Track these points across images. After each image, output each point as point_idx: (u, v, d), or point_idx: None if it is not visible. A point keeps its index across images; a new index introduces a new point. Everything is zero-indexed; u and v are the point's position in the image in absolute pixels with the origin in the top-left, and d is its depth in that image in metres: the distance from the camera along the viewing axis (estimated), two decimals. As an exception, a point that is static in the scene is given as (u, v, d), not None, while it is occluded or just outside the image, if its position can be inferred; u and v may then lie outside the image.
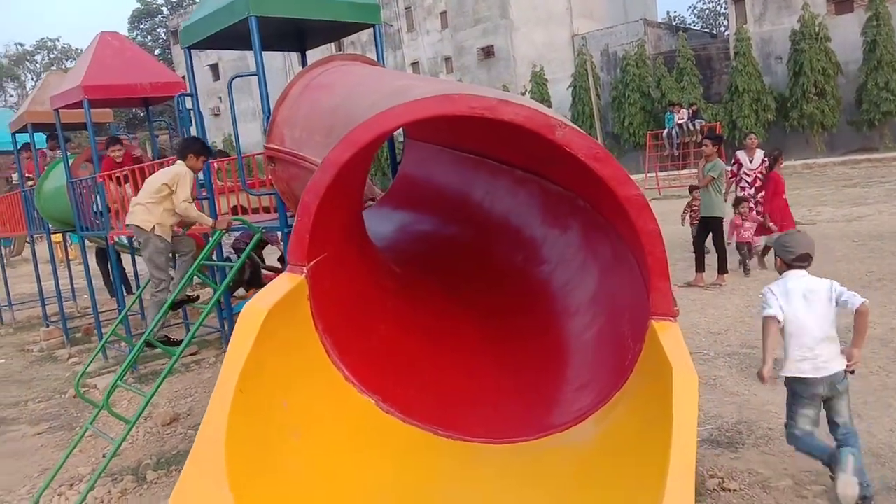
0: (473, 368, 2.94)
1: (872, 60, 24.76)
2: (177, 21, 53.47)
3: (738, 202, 9.27)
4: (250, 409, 2.07)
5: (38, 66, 56.28)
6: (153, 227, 5.61)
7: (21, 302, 13.40)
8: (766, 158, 9.92)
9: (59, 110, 7.96)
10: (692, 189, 9.82)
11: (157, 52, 55.13)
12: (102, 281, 11.85)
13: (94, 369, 8.47)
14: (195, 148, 5.56)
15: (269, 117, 4.67)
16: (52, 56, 56.18)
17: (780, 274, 3.92)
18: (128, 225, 5.84)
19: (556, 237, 3.54)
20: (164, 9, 60.36)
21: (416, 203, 5.18)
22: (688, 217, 9.96)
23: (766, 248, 9.05)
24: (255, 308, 2.18)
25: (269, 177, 4.84)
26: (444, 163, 4.98)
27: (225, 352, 8.28)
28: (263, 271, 9.08)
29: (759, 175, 9.82)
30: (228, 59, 46.94)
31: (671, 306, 2.16)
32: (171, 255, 6.19)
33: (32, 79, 55.87)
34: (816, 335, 3.60)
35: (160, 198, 5.53)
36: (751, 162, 9.91)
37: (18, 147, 10.64)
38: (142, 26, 60.14)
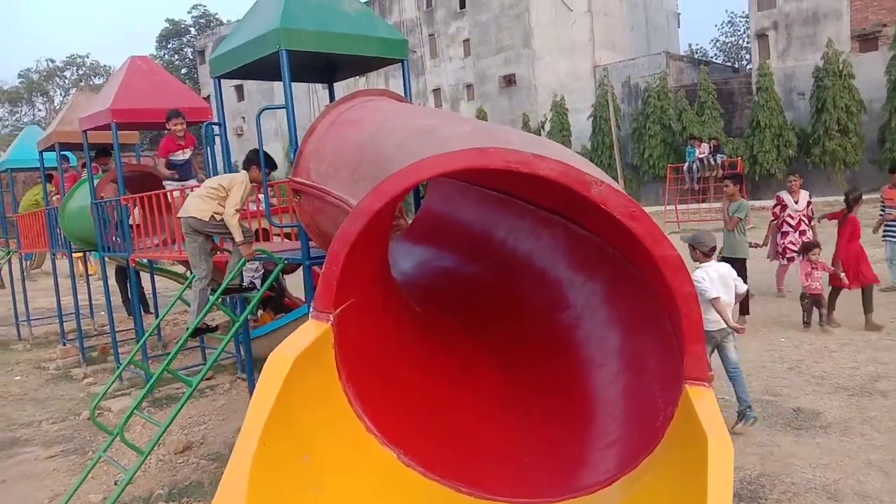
0: (496, 420, 2.87)
1: (896, 99, 24.65)
2: (203, 41, 54.41)
3: (806, 248, 8.42)
4: (273, 462, 2.02)
5: (66, 81, 57.31)
6: (211, 217, 5.44)
7: (39, 317, 13.48)
8: (811, 200, 9.83)
9: (87, 131, 8.05)
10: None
11: (183, 70, 56.01)
12: (121, 298, 11.90)
13: (109, 391, 8.47)
14: (258, 161, 5.48)
15: (296, 149, 4.68)
16: (80, 72, 57.17)
17: (699, 263, 5.47)
18: (180, 217, 5.65)
19: (581, 283, 3.49)
20: (192, 29, 61.40)
21: (438, 239, 5.15)
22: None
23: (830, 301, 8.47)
24: (282, 356, 2.15)
25: (294, 208, 4.83)
26: (469, 200, 4.95)
27: (239, 377, 8.30)
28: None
29: (804, 218, 9.57)
30: (253, 80, 47.54)
31: (706, 371, 2.10)
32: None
33: (61, 94, 56.87)
34: (727, 303, 5.32)
35: (214, 196, 5.42)
36: (796, 203, 9.60)
37: (51, 165, 10.74)
38: (169, 45, 61.16)
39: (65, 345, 11.00)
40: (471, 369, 3.16)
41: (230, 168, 5.63)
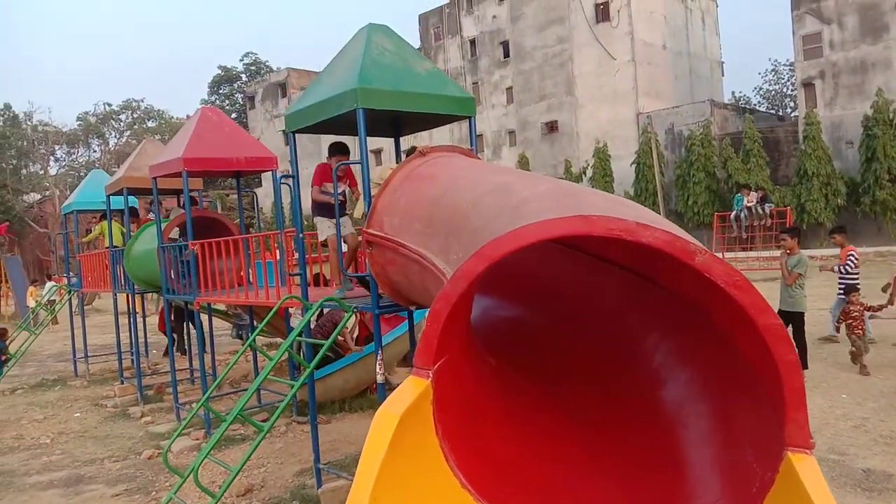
0: (580, 478, 2.91)
1: (950, 149, 24.25)
2: (254, 87, 56.16)
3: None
4: (382, 518, 2.10)
5: (121, 124, 59.47)
6: None
7: (95, 354, 13.83)
8: None
9: (157, 178, 8.39)
10: (848, 291, 9.01)
11: (233, 115, 57.70)
12: (175, 340, 12.18)
13: (166, 430, 8.66)
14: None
15: (369, 202, 4.83)
16: (135, 115, 59.31)
17: None
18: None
19: (657, 342, 3.52)
20: (243, 76, 63.42)
21: (497, 287, 5.22)
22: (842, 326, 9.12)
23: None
24: (389, 414, 2.24)
25: (367, 259, 4.97)
26: (535, 249, 5.02)
27: (294, 419, 8.39)
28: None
29: None
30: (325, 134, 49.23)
31: (808, 438, 2.13)
32: None
33: (116, 136, 58.92)
34: None
35: None
36: None
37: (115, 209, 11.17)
38: (221, 91, 63.22)
39: (122, 383, 11.25)
40: (552, 426, 3.21)
41: (300, 218, 5.82)
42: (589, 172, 34.14)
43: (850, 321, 8.75)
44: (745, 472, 2.41)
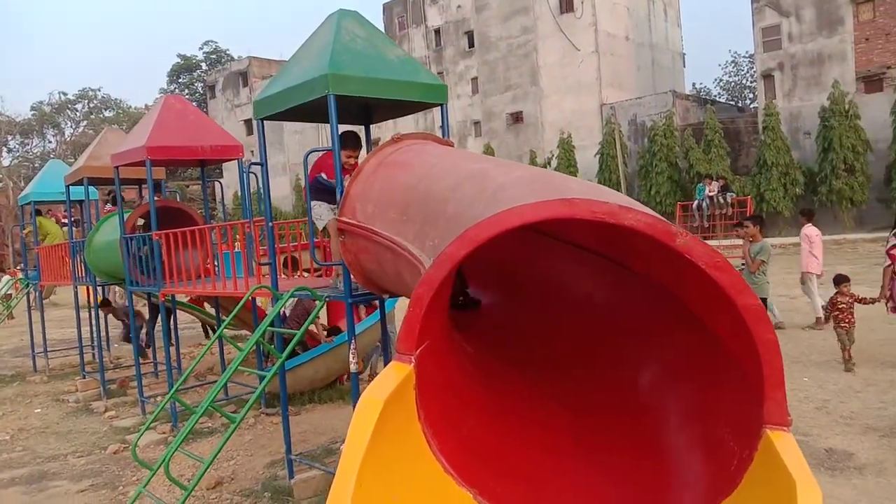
0: (563, 461, 2.92)
1: (903, 139, 24.95)
2: (214, 76, 55.22)
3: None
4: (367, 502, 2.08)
5: (78, 114, 58.01)
6: None
7: (54, 349, 13.49)
8: None
9: (119, 167, 8.20)
10: (838, 282, 8.33)
11: (193, 105, 56.63)
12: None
13: (131, 425, 8.50)
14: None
15: (341, 190, 4.79)
16: (91, 105, 57.91)
17: None
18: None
19: (633, 327, 3.56)
20: (203, 64, 62.33)
21: (480, 275, 5.22)
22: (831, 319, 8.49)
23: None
24: (373, 399, 2.22)
25: (339, 248, 4.93)
26: (509, 237, 5.04)
27: (263, 411, 8.31)
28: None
29: None
30: (293, 122, 48.75)
31: (786, 416, 2.17)
32: None
33: (72, 126, 57.48)
34: None
35: None
36: None
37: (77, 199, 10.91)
38: (180, 80, 62.05)
39: (84, 377, 11.01)
40: (533, 411, 3.22)
41: (269, 203, 5.72)
42: (554, 163, 34.37)
43: (837, 313, 8.22)
44: (723, 451, 2.45)
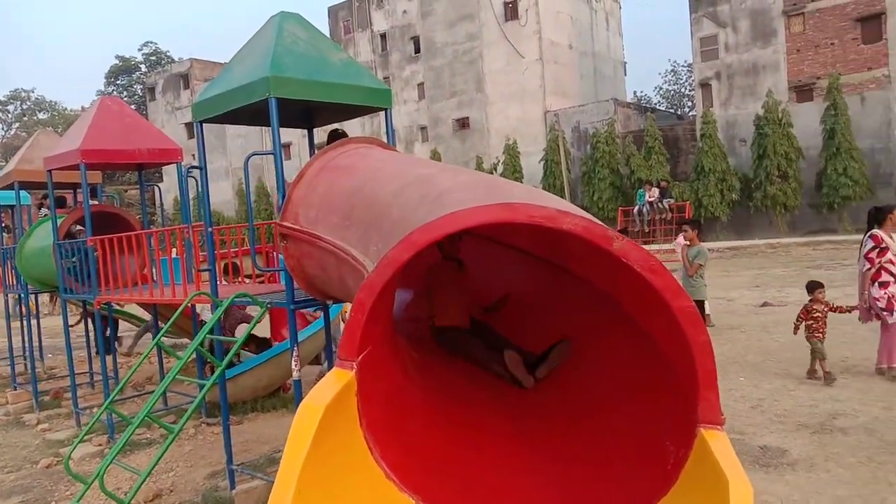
0: (505, 465, 2.94)
1: (831, 147, 26.02)
2: (154, 79, 53.90)
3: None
4: (306, 510, 2.06)
5: (9, 115, 55.87)
6: None
7: (-17, 360, 12.92)
8: None
9: (52, 171, 7.93)
10: (812, 288, 7.83)
11: (131, 107, 55.22)
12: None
13: (65, 437, 8.19)
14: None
15: (283, 194, 4.72)
16: (24, 107, 55.86)
17: None
18: None
19: (574, 329, 3.61)
20: (142, 66, 60.81)
21: (417, 281, 5.23)
22: (802, 326, 7.86)
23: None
24: (313, 406, 2.19)
25: (281, 253, 4.86)
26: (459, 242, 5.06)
27: (204, 421, 8.12)
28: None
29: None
30: (234, 125, 47.79)
31: (719, 415, 2.23)
32: None
33: (3, 128, 55.32)
34: None
35: None
36: None
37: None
38: (118, 82, 60.40)
39: (15, 389, 10.58)
40: (477, 417, 3.23)
41: (209, 208, 5.60)
42: (500, 169, 34.65)
43: (812, 322, 7.70)
44: (661, 451, 2.50)
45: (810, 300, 7.80)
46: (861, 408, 6.67)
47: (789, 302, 13.04)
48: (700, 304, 8.83)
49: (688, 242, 9.11)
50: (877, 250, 7.48)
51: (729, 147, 29.30)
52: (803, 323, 7.80)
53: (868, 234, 7.62)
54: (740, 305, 13.10)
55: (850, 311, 7.76)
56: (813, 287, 7.81)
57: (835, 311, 7.73)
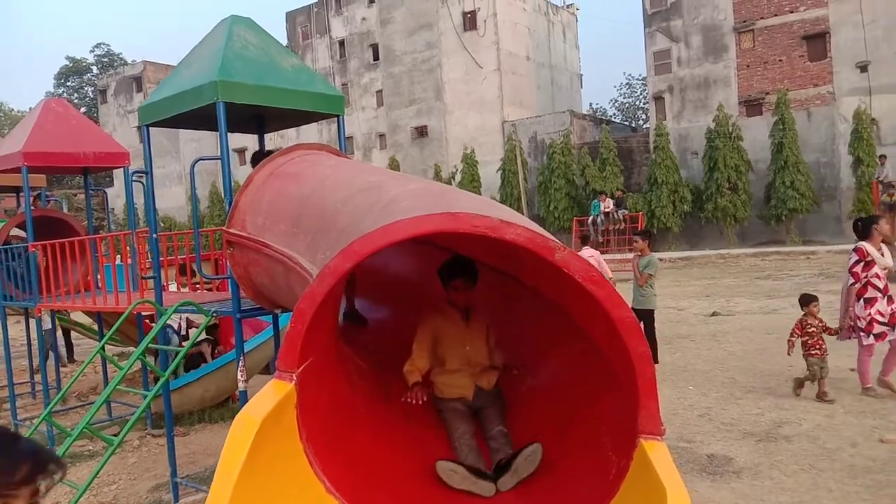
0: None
1: (779, 160, 26.74)
2: (106, 81, 52.72)
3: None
4: (240, 526, 2.00)
5: (-50, 116, 54.02)
6: None
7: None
8: None
9: (-8, 174, 7.67)
10: (806, 302, 7.36)
11: (82, 109, 53.92)
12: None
13: (2, 449, 7.87)
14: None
15: (231, 200, 4.64)
16: (-33, 108, 54.07)
17: None
18: None
19: (520, 335, 3.61)
20: (94, 68, 59.43)
21: (369, 290, 5.19)
22: (797, 342, 7.34)
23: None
24: (249, 418, 2.13)
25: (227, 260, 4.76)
26: (399, 251, 5.04)
27: (149, 433, 7.92)
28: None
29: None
30: (182, 129, 46.98)
31: (659, 425, 2.24)
32: None
33: (-57, 129, 53.41)
34: None
35: None
36: (883, 256, 7.23)
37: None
38: (69, 83, 58.91)
39: (-51, 400, 10.16)
40: (421, 427, 3.20)
41: (154, 214, 5.48)
42: (458, 177, 34.75)
43: (807, 338, 7.23)
44: (603, 461, 2.50)
45: (804, 314, 7.31)
46: (804, 416, 6.82)
47: (738, 312, 13.33)
48: (650, 313, 8.95)
49: (639, 253, 9.22)
50: (861, 264, 7.10)
51: (681, 159, 29.90)
52: (798, 339, 7.27)
53: (854, 246, 7.28)
54: (690, 315, 13.33)
55: (836, 333, 7.30)
56: (807, 300, 7.34)
57: (826, 332, 7.24)
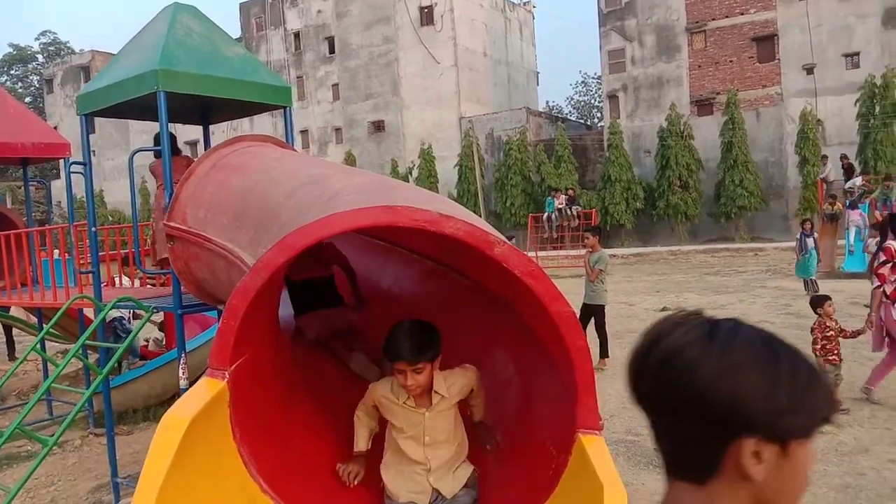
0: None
1: (729, 159, 27.32)
2: (53, 70, 51.11)
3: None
4: (167, 529, 1.92)
5: None
6: None
7: None
8: None
9: (-79, 164, 7.34)
10: (819, 303, 6.67)
11: (27, 99, 52.28)
12: None
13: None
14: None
15: (171, 193, 4.51)
16: None
17: None
18: None
19: (467, 332, 3.58)
20: (40, 56, 57.56)
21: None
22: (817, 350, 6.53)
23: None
24: (176, 418, 2.06)
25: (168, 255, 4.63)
26: (351, 246, 4.97)
27: (92, 432, 7.68)
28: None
29: None
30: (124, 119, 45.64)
31: (597, 420, 2.23)
32: None
33: None
34: None
35: None
36: None
37: None
38: (13, 72, 56.94)
39: None
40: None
41: (93, 206, 5.30)
42: (415, 173, 34.66)
43: (825, 342, 6.48)
44: (543, 456, 2.49)
45: (820, 316, 6.59)
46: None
47: (687, 307, 13.51)
48: (601, 308, 9.04)
49: (590, 249, 9.29)
50: (889, 265, 6.33)
51: (634, 157, 30.33)
52: (820, 340, 6.53)
53: (880, 246, 6.56)
54: (641, 310, 13.51)
55: (856, 336, 6.68)
56: (820, 301, 6.67)
57: (843, 336, 6.60)
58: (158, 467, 1.95)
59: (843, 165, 20.78)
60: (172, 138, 5.03)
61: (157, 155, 5.04)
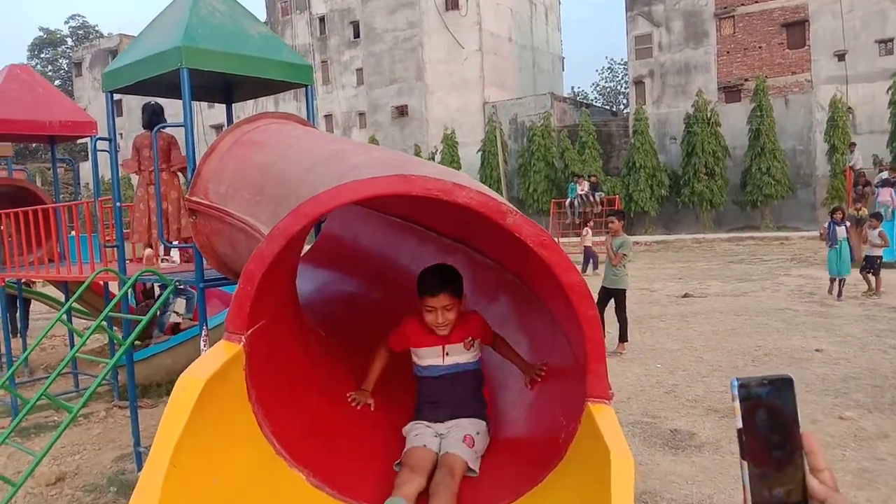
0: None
1: (756, 147, 26.94)
2: (81, 53, 51.74)
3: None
4: (183, 484, 1.98)
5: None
6: None
7: None
8: None
9: (-46, 141, 7.51)
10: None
11: (57, 82, 52.95)
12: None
13: (-38, 420, 7.79)
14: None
15: (194, 169, 4.58)
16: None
17: None
18: None
19: (483, 308, 3.61)
20: (69, 40, 58.26)
21: (340, 263, 5.17)
22: None
23: None
24: (193, 378, 2.11)
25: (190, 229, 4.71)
26: (372, 225, 5.02)
27: (116, 404, 7.86)
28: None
29: None
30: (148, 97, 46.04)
31: (607, 389, 2.25)
32: None
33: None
34: None
35: None
36: None
37: None
38: (42, 55, 57.73)
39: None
40: (379, 394, 3.19)
41: (118, 181, 5.38)
42: (437, 158, 34.65)
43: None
44: (553, 425, 2.52)
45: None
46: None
47: (709, 294, 13.46)
48: (622, 292, 9.01)
49: (613, 233, 9.26)
50: None
51: (660, 144, 30.04)
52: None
53: None
54: (662, 296, 13.44)
55: None
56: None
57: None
58: (175, 424, 2.01)
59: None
60: (158, 110, 5.15)
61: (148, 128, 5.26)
